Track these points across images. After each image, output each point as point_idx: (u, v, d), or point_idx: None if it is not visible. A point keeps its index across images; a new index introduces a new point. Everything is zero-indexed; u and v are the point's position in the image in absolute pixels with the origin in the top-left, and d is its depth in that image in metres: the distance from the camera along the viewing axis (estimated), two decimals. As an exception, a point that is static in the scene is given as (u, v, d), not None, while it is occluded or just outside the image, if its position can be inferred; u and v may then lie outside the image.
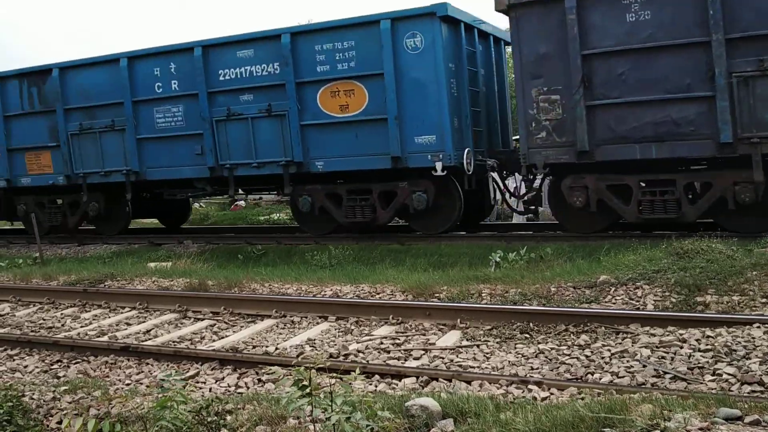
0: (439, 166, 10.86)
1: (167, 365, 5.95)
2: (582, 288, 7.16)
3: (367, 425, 3.18)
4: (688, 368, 4.78)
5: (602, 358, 5.17)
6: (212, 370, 5.72)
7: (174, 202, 15.55)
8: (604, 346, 5.43)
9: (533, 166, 10.52)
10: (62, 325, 7.83)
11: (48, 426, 4.62)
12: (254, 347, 6.27)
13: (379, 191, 11.73)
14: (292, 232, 14.14)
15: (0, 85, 14.76)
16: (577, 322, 6.03)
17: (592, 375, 4.88)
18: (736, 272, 6.85)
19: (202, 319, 7.60)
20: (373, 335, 6.37)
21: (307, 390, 3.24)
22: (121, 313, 8.20)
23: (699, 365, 4.80)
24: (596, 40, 9.84)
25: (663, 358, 5.03)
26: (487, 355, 5.55)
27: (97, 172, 14.01)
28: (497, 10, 10.59)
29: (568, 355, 5.32)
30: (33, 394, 5.02)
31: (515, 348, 5.66)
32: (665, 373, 4.73)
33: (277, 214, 18.48)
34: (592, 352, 5.33)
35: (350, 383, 3.41)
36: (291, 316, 7.28)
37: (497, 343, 5.86)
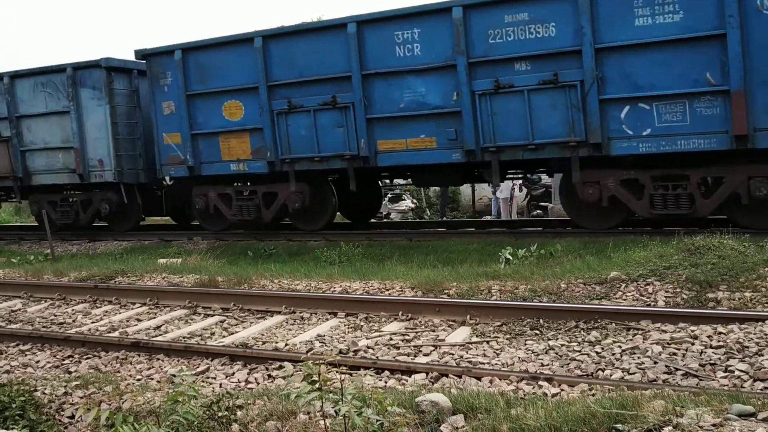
0: None
1: (178, 361, 5.97)
2: (592, 284, 7.14)
3: (378, 420, 3.18)
4: (699, 365, 4.75)
5: (613, 354, 5.15)
6: (222, 365, 5.73)
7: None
8: (614, 342, 5.41)
9: None
10: (73, 321, 7.88)
11: (60, 420, 4.65)
12: (264, 343, 6.29)
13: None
14: (300, 230, 14.09)
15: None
16: (587, 319, 6.01)
17: (603, 371, 4.87)
18: (748, 268, 6.81)
19: (212, 315, 7.62)
20: (382, 331, 6.37)
21: (317, 385, 3.24)
22: (132, 309, 8.25)
23: (711, 362, 4.77)
24: None
25: (674, 354, 5.00)
26: (497, 352, 5.54)
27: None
28: None
29: (579, 351, 5.31)
30: (45, 389, 5.05)
31: (525, 344, 5.65)
32: (677, 369, 4.71)
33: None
34: (602, 348, 5.31)
35: (361, 378, 3.40)
36: (301, 313, 7.29)
37: (507, 339, 5.85)
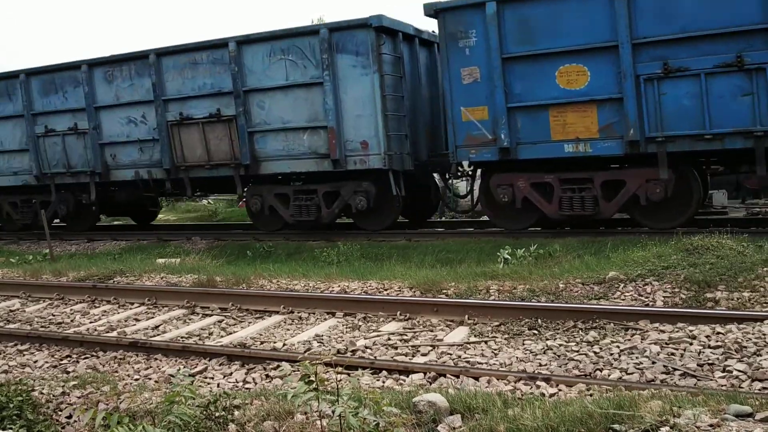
0: None
1: (176, 361, 5.97)
2: (591, 284, 7.14)
3: (374, 420, 3.17)
4: (697, 365, 4.75)
5: (611, 354, 5.15)
6: (220, 365, 5.73)
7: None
8: (612, 342, 5.41)
9: None
10: (72, 321, 7.88)
11: (57, 420, 4.64)
12: (262, 343, 6.29)
13: None
14: (299, 229, 14.04)
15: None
16: (585, 319, 6.01)
17: (601, 371, 4.86)
18: (746, 268, 6.81)
19: (211, 315, 7.62)
20: (380, 331, 6.37)
21: (314, 385, 3.23)
22: (130, 308, 8.24)
23: (709, 362, 4.77)
24: None
25: (672, 354, 5.00)
26: (495, 352, 5.54)
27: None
28: None
29: (577, 351, 5.30)
30: (43, 388, 5.05)
31: (523, 344, 5.65)
32: (674, 369, 4.71)
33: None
34: (600, 348, 5.31)
35: (358, 378, 3.40)
36: (299, 312, 7.29)
37: (505, 339, 5.85)
